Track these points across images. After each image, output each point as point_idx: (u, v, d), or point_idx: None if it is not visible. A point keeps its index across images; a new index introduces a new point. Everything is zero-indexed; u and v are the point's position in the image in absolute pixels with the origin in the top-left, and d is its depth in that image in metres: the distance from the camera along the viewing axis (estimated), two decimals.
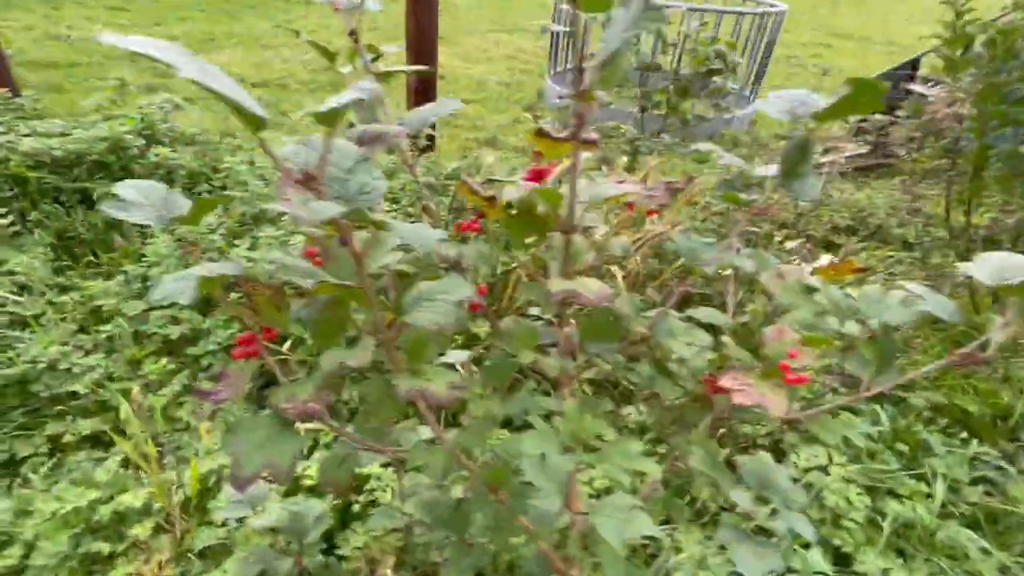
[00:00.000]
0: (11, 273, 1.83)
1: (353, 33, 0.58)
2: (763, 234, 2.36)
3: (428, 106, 0.57)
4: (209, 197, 0.45)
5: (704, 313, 0.81)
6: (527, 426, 1.01)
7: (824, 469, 1.26)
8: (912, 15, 10.34)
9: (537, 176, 0.63)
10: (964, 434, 1.50)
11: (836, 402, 0.67)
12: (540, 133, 0.54)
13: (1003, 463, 1.38)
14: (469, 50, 7.03)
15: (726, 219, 2.62)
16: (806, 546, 1.05)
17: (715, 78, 2.09)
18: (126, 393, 1.54)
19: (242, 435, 0.47)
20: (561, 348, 0.70)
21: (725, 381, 0.59)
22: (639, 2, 0.34)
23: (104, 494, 1.18)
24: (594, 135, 0.58)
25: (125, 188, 0.47)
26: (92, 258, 2.08)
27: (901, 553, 1.10)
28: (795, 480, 1.30)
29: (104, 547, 1.09)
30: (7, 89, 2.99)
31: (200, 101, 4.57)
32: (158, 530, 1.13)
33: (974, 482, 1.33)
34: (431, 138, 2.83)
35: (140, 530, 1.12)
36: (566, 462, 0.46)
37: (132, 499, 1.15)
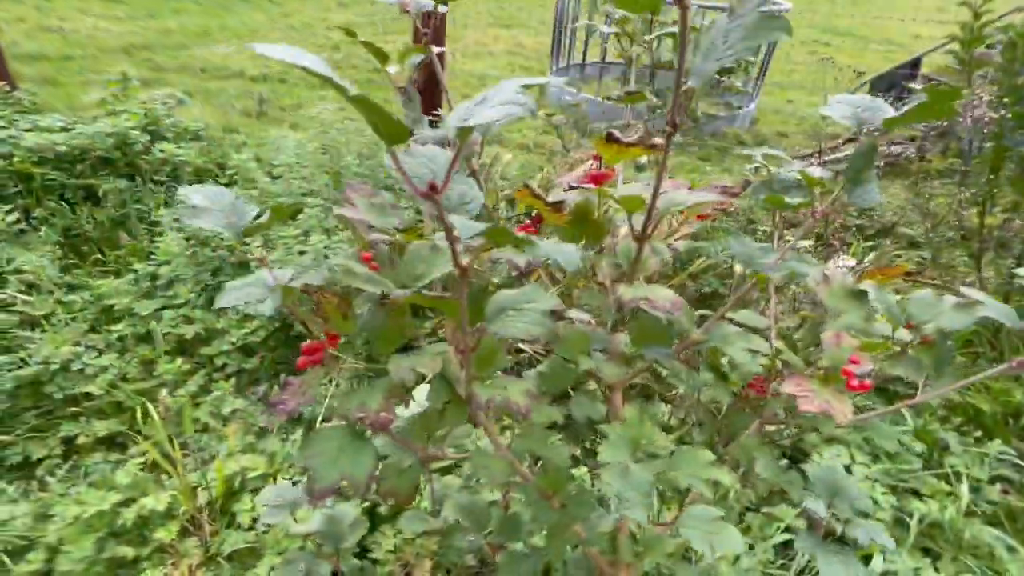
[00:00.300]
0: (19, 272, 1.79)
1: (423, 34, 0.57)
2: (771, 233, 2.37)
3: (496, 108, 0.56)
4: (286, 205, 0.43)
5: (744, 316, 0.81)
6: (564, 428, 1.00)
7: (847, 469, 1.26)
8: (909, 14, 10.39)
9: (596, 181, 0.62)
10: (978, 432, 1.52)
11: (887, 408, 0.67)
12: (610, 138, 0.53)
13: (1019, 461, 1.40)
14: (468, 45, 6.98)
15: (735, 218, 2.62)
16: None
17: (726, 77, 2.09)
18: (141, 394, 1.52)
19: (316, 447, 0.46)
20: (612, 353, 0.70)
21: (788, 387, 0.58)
22: (755, 12, 0.33)
23: (125, 497, 1.17)
24: (660, 140, 0.58)
25: (194, 193, 0.46)
26: (99, 256, 2.05)
27: (928, 552, 1.11)
28: None
29: (129, 551, 1.08)
30: (5, 83, 2.93)
31: (198, 95, 4.51)
32: (183, 533, 1.12)
33: (991, 480, 1.35)
34: None
35: (165, 534, 1.10)
36: (646, 472, 0.45)
37: (155, 502, 1.14)
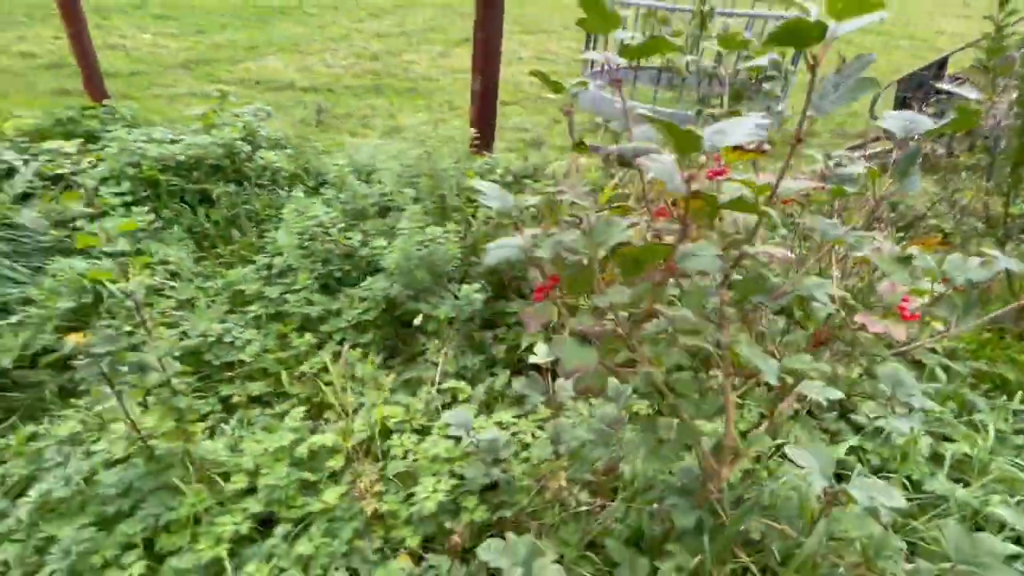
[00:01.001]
0: (163, 263, 2.11)
1: (569, 113, 0.84)
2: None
3: (744, 134, 0.82)
4: (547, 193, 0.66)
5: (814, 280, 1.06)
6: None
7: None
8: (933, 10, 10.38)
9: (716, 175, 0.88)
10: (1004, 398, 1.73)
11: (933, 338, 0.91)
12: (736, 147, 0.79)
13: None
14: None
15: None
16: (879, 473, 1.30)
17: (767, 84, 2.32)
18: (281, 362, 1.82)
19: (562, 347, 0.72)
20: (721, 301, 0.95)
21: (858, 319, 0.83)
22: (856, 77, 0.58)
23: (296, 437, 1.46)
24: (767, 146, 0.83)
25: (484, 187, 0.73)
26: (217, 251, 2.36)
27: (958, 480, 1.34)
28: (862, 427, 1.54)
29: (310, 476, 1.36)
30: (109, 100, 3.29)
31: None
32: (349, 462, 1.40)
33: (1014, 432, 1.56)
34: (480, 138, 2.95)
35: (335, 463, 1.39)
36: (773, 360, 0.71)
37: (323, 440, 1.42)
